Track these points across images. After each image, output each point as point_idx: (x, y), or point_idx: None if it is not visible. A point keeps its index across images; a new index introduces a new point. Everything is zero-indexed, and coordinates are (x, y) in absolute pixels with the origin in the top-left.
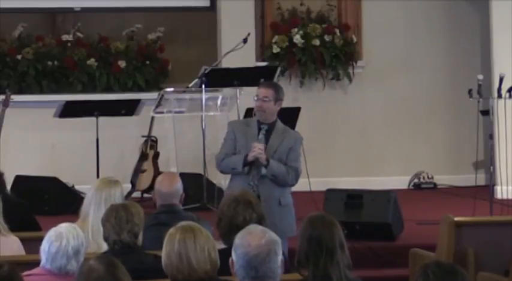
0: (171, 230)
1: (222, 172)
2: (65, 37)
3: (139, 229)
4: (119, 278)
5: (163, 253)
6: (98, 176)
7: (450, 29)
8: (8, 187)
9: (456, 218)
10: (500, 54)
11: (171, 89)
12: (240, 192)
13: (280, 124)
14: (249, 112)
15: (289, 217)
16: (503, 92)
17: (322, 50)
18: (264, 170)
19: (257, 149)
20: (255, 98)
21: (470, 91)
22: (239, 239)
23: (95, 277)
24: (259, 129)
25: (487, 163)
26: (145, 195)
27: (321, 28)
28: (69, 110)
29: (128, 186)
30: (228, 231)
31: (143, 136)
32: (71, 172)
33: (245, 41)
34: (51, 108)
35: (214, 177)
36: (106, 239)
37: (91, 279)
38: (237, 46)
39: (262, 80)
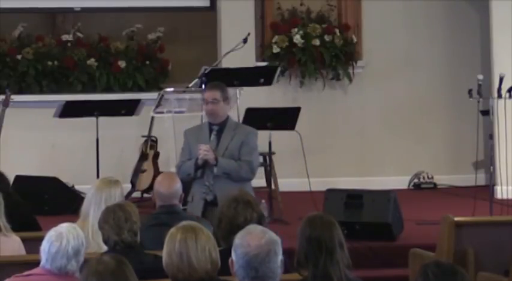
0: (173, 229)
1: (181, 179)
2: (65, 37)
3: (137, 227)
4: (126, 275)
5: (164, 252)
6: (98, 176)
7: (450, 29)
8: None
9: (456, 218)
10: (500, 54)
11: (171, 89)
12: (238, 192)
13: (231, 121)
14: (249, 112)
15: None
16: (503, 92)
17: (322, 50)
18: (215, 170)
19: (202, 151)
20: (203, 103)
21: (470, 91)
22: (239, 239)
23: (103, 268)
24: (211, 130)
25: (487, 163)
26: (145, 195)
27: (321, 28)
28: (69, 110)
29: (128, 186)
30: (228, 231)
31: (143, 136)
32: (71, 172)
33: (245, 41)
34: (51, 108)
35: None
36: (106, 241)
37: (99, 270)
38: (237, 46)
39: (262, 80)
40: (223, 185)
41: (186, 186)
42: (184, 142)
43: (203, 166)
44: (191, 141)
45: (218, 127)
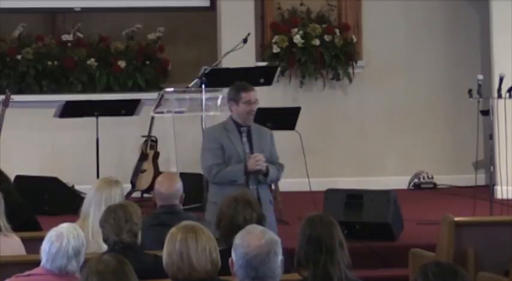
0: (173, 229)
1: (217, 183)
2: (65, 37)
3: (138, 228)
4: (127, 274)
5: (164, 252)
6: (98, 176)
7: (450, 29)
8: None
9: (456, 218)
10: (500, 54)
11: (171, 89)
12: (239, 192)
13: (252, 122)
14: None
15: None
16: (503, 92)
17: (322, 50)
18: (261, 178)
19: (261, 162)
20: (246, 103)
21: (470, 91)
22: (239, 239)
23: (103, 268)
24: (240, 132)
25: (487, 163)
26: (145, 195)
27: (321, 28)
28: (69, 110)
29: (128, 186)
30: (228, 231)
31: (143, 136)
32: (71, 172)
33: (245, 41)
34: (51, 108)
35: None
36: (106, 240)
37: (99, 270)
38: (237, 46)
39: (262, 80)
40: (264, 189)
41: (190, 187)
42: (210, 141)
43: (248, 173)
44: (224, 142)
45: (246, 128)
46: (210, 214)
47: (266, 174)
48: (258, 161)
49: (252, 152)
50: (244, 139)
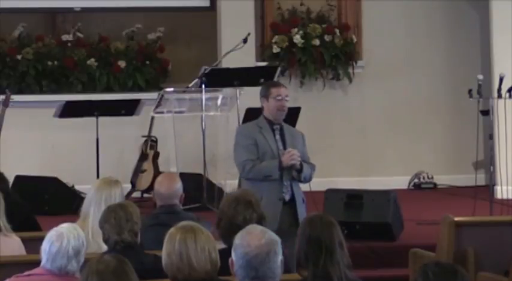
0: (172, 229)
1: (249, 179)
2: (65, 37)
3: (138, 227)
4: (127, 274)
5: (163, 253)
6: (98, 176)
7: (450, 29)
8: None
9: (456, 218)
10: (500, 54)
11: (171, 89)
12: (240, 192)
13: (283, 122)
14: (249, 112)
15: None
16: (503, 92)
17: (322, 50)
18: (295, 173)
19: (296, 157)
20: (276, 98)
21: (470, 91)
22: (239, 239)
23: (104, 267)
24: (273, 130)
25: (487, 163)
26: (145, 195)
27: (321, 28)
28: (69, 110)
29: (128, 186)
30: (228, 231)
31: (143, 136)
32: (71, 172)
33: (245, 41)
34: (51, 108)
35: (214, 177)
36: (106, 240)
37: (100, 269)
38: (237, 46)
39: (262, 80)
40: (297, 186)
41: (190, 187)
42: (244, 138)
43: (283, 168)
44: (258, 139)
45: (279, 127)
46: None
47: (300, 170)
48: (292, 155)
49: (285, 149)
50: (278, 137)
